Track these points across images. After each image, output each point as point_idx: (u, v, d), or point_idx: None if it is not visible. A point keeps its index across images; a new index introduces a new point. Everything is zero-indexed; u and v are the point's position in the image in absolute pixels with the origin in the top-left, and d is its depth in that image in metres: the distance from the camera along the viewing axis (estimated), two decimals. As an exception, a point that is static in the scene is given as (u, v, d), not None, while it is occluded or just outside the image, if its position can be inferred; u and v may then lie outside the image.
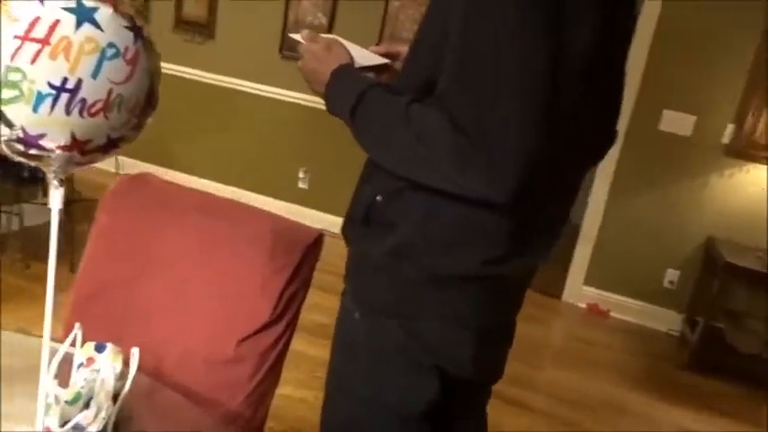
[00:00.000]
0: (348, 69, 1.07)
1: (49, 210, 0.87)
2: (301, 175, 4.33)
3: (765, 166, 3.41)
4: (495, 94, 0.85)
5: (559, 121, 0.86)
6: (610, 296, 3.83)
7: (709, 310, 3.28)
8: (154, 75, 0.86)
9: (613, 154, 3.55)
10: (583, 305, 3.87)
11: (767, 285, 3.24)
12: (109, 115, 0.82)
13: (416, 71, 1.02)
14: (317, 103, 4.46)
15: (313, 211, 4.25)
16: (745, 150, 3.45)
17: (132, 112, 0.85)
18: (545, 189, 0.91)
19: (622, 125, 3.40)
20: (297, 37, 1.13)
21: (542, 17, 0.85)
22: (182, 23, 4.43)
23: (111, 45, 0.79)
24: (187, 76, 4.41)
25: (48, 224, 0.87)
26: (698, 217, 3.59)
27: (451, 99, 0.89)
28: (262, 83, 4.31)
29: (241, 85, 4.37)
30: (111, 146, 0.86)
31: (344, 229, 1.12)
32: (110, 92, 0.80)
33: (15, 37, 0.75)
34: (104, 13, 0.78)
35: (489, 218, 0.94)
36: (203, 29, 4.39)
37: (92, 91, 0.79)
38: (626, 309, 3.79)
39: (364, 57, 1.12)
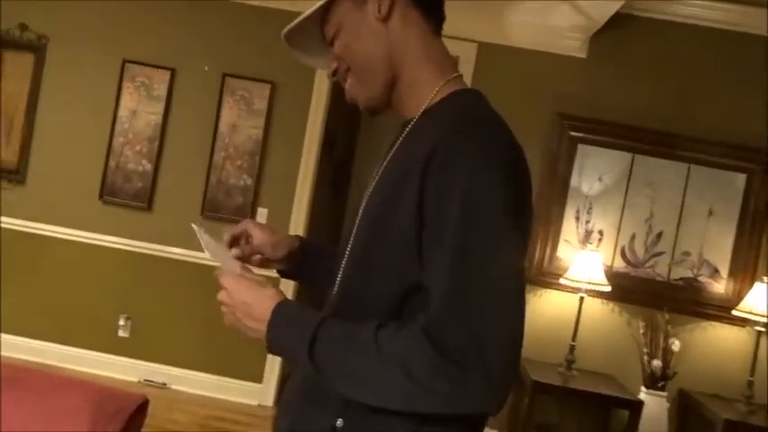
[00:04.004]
0: (290, 303, 1.00)
1: None
2: (122, 322, 4.11)
3: (554, 291, 3.92)
4: (493, 314, 0.88)
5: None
6: None
7: (523, 428, 3.56)
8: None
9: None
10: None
11: (569, 397, 3.63)
12: None
13: (365, 281, 1.01)
14: (136, 246, 4.35)
15: (135, 361, 4.02)
16: (536, 278, 3.92)
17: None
18: None
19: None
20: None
21: (523, 240, 0.95)
22: (-12, 168, 4.20)
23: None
24: (-8, 224, 4.13)
25: None
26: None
27: (442, 323, 0.88)
28: (78, 228, 4.15)
29: (55, 232, 4.17)
30: None
31: None
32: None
33: None
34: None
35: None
36: (13, 174, 4.20)
37: None
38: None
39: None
